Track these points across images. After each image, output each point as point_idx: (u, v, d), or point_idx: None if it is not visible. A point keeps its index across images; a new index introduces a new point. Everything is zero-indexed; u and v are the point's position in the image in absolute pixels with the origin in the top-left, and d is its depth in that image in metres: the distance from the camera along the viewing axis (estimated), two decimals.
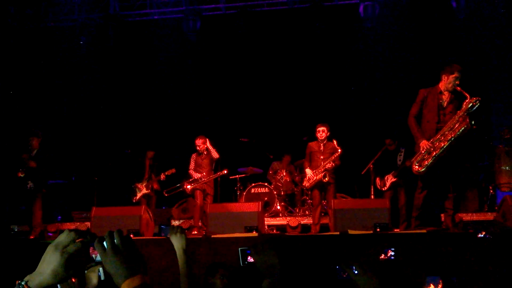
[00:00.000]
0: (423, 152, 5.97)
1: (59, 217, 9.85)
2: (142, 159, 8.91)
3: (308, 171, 7.78)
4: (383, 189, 8.21)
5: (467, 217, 7.74)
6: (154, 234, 7.38)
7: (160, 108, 11.21)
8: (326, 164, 7.62)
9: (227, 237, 6.22)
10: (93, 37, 11.03)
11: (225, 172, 8.52)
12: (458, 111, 5.93)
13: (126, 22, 11.08)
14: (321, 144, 7.79)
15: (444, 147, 5.87)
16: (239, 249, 2.36)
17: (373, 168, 8.54)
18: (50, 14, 10.97)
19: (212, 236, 6.53)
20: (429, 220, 6.55)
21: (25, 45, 10.91)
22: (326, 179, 7.57)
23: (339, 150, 7.63)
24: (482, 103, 5.90)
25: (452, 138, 5.84)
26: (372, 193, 8.62)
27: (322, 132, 7.75)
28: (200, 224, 8.16)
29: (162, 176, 8.55)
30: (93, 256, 1.44)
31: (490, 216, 7.73)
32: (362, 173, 8.64)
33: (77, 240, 1.40)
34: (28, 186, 7.91)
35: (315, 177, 7.67)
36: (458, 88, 5.93)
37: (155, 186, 8.69)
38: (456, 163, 6.07)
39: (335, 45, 10.58)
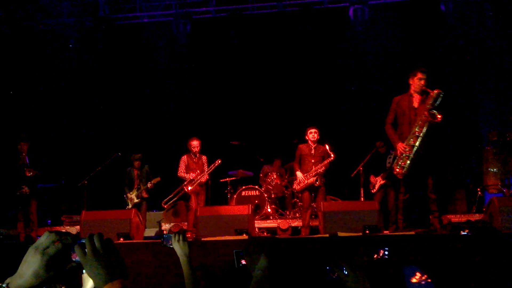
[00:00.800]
0: (399, 154, 6.09)
1: (49, 221, 9.78)
2: (130, 169, 8.89)
3: (299, 174, 7.77)
4: (372, 191, 8.26)
5: (455, 218, 7.81)
6: (147, 238, 7.36)
7: (150, 111, 11.19)
8: (318, 168, 7.63)
9: (217, 240, 6.22)
10: (83, 40, 11.00)
11: (219, 161, 8.47)
12: (422, 107, 6.05)
13: (115, 25, 11.06)
14: (312, 147, 7.79)
15: (416, 145, 5.98)
16: (234, 251, 2.37)
17: (363, 170, 8.59)
18: (39, 17, 10.92)
19: (202, 239, 6.53)
20: (419, 222, 6.60)
21: (14, 48, 10.86)
22: (318, 183, 7.58)
23: (332, 156, 7.60)
24: (445, 94, 5.99)
25: (421, 134, 5.96)
26: (362, 195, 8.67)
27: (314, 133, 7.75)
28: (193, 228, 8.14)
29: (149, 185, 8.54)
30: (73, 259, 1.44)
31: (478, 217, 7.81)
32: (352, 175, 8.68)
33: (56, 242, 1.40)
34: (24, 191, 7.92)
35: (306, 181, 7.67)
36: (424, 88, 6.06)
37: (144, 195, 8.70)
38: (431, 163, 6.14)
39: (325, 48, 10.63)
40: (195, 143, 8.37)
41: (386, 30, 10.27)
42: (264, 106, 10.86)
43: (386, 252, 3.05)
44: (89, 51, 11.00)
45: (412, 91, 6.22)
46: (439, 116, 5.85)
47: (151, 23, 11.11)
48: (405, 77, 6.40)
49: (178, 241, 2.75)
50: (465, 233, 5.01)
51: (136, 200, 8.66)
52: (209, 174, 8.46)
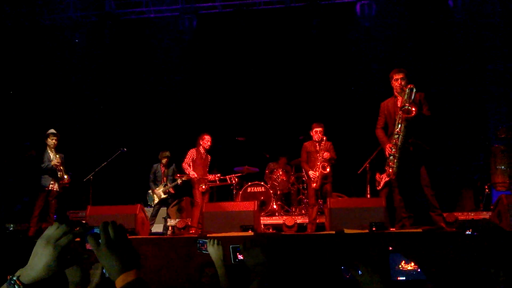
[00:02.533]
0: (387, 156, 6.17)
1: (55, 216, 9.80)
2: (157, 166, 8.98)
3: (311, 173, 7.72)
4: (378, 188, 8.22)
5: (462, 216, 7.75)
6: (153, 234, 7.36)
7: (156, 107, 11.17)
8: (323, 155, 7.58)
9: (223, 236, 6.20)
10: (89, 35, 10.99)
11: (236, 180, 8.96)
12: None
13: (122, 20, 11.04)
14: (317, 144, 7.76)
15: (398, 143, 6.01)
16: (230, 246, 2.36)
17: (370, 168, 8.55)
18: (45, 12, 10.92)
19: (208, 235, 6.51)
20: (425, 219, 6.54)
21: (20, 43, 10.86)
22: (328, 170, 7.53)
23: (335, 157, 7.62)
24: (417, 88, 5.97)
25: (401, 132, 5.99)
26: (368, 192, 8.62)
27: (319, 133, 7.71)
28: (198, 224, 8.14)
29: (179, 181, 8.60)
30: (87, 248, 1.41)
31: (485, 215, 7.75)
32: (359, 172, 8.63)
33: (68, 233, 1.38)
34: (54, 188, 8.08)
35: (317, 174, 7.62)
36: (403, 87, 6.04)
37: (172, 190, 8.81)
38: (420, 156, 6.13)
39: (332, 44, 10.57)
40: (208, 138, 8.42)
41: (393, 26, 10.19)
42: (270, 102, 10.82)
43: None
44: (95, 46, 10.99)
45: (395, 93, 6.28)
46: (413, 109, 5.84)
47: (157, 19, 11.09)
48: (413, 73, 6.37)
49: (213, 245, 2.93)
50: (469, 232, 4.96)
51: (163, 196, 8.83)
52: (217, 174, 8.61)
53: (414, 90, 5.95)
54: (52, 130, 8.28)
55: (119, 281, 1.32)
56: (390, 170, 6.17)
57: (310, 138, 7.88)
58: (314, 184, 7.67)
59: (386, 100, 6.45)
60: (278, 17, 10.65)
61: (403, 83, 6.10)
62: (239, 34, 10.63)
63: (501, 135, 8.16)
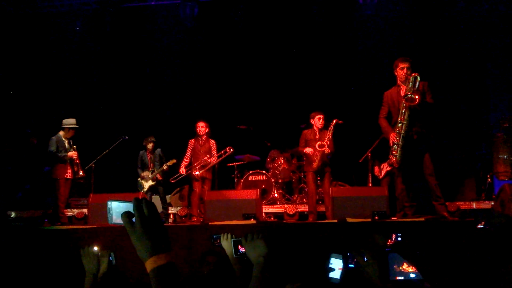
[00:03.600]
0: (391, 144, 6.19)
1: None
2: (143, 152, 8.90)
3: (308, 149, 7.59)
4: (380, 177, 8.22)
5: (464, 205, 7.76)
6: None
7: (157, 95, 11.15)
8: (324, 139, 7.54)
9: (225, 224, 6.21)
10: (89, 23, 10.91)
11: (231, 150, 8.53)
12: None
13: (122, 8, 10.95)
14: (317, 132, 7.72)
15: (402, 132, 6.02)
16: (232, 240, 2.33)
17: (371, 156, 8.54)
18: (44, 0, 10.83)
19: (210, 223, 6.53)
20: (429, 209, 6.55)
21: (20, 31, 10.80)
22: (327, 150, 7.46)
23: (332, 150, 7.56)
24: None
25: (404, 121, 6.01)
26: (370, 181, 8.62)
27: (321, 119, 7.69)
28: (198, 211, 8.15)
29: (165, 167, 8.55)
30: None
31: (487, 204, 7.76)
32: (360, 161, 8.63)
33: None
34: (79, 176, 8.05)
35: (317, 153, 7.52)
36: (408, 76, 6.06)
37: (159, 177, 8.69)
38: (424, 144, 6.14)
39: (334, 32, 10.50)
40: (201, 125, 8.40)
41: (395, 14, 10.12)
42: (272, 90, 10.78)
43: (399, 239, 3.02)
44: (95, 34, 10.92)
45: (399, 82, 6.30)
46: (416, 97, 5.85)
47: (158, 6, 10.99)
48: (415, 61, 6.34)
49: (227, 239, 2.50)
50: (482, 226, 4.93)
51: (151, 183, 8.69)
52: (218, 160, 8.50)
53: (419, 78, 5.95)
54: (74, 124, 8.17)
55: (150, 263, 1.30)
56: (394, 159, 6.19)
57: (309, 126, 7.85)
58: (314, 164, 7.58)
59: (390, 89, 6.45)
60: (279, 4, 10.57)
61: (408, 72, 6.10)
62: (240, 21, 10.55)
63: (503, 124, 8.14)
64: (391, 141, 6.20)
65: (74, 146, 8.05)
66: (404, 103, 5.97)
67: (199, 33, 10.94)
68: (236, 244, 2.33)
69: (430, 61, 9.43)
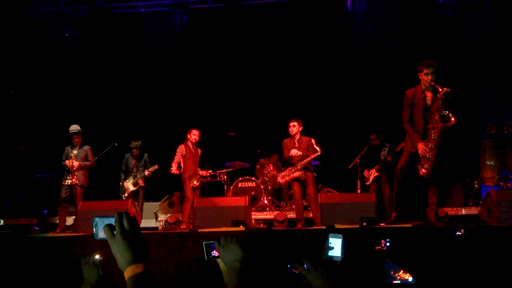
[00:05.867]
0: (420, 155, 5.91)
1: (45, 211, 9.77)
2: (129, 156, 8.82)
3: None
4: (367, 183, 8.29)
5: (452, 211, 7.82)
6: (144, 229, 7.33)
7: (147, 101, 11.14)
8: (303, 163, 7.51)
9: (214, 231, 6.21)
10: (79, 29, 10.89)
11: (226, 177, 9.12)
12: (434, 108, 5.84)
13: (112, 14, 10.95)
14: (295, 140, 7.74)
15: (434, 147, 5.83)
16: (203, 243, 2.32)
17: (360, 163, 8.60)
18: (34, 5, 10.81)
19: (199, 230, 6.53)
20: (415, 215, 6.60)
21: (9, 37, 10.76)
22: (303, 177, 7.48)
23: (319, 150, 7.45)
24: (453, 92, 5.80)
25: (437, 139, 5.81)
26: (359, 187, 8.67)
27: (292, 127, 7.69)
28: (188, 218, 8.13)
29: (147, 173, 8.46)
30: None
31: (474, 210, 7.82)
32: (349, 167, 8.68)
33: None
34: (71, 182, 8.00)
35: (291, 175, 7.58)
36: (433, 83, 5.83)
37: (141, 183, 8.61)
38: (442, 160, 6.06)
39: (323, 40, 10.58)
40: (195, 132, 8.42)
41: (384, 22, 10.21)
42: (261, 98, 10.82)
43: (388, 244, 3.06)
44: (85, 40, 10.90)
45: (423, 86, 6.00)
46: (452, 119, 5.67)
47: (147, 13, 11.01)
48: (402, 69, 6.34)
49: (225, 243, 2.13)
50: (460, 233, 4.99)
51: (132, 188, 8.55)
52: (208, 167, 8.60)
53: (450, 94, 5.71)
54: (71, 130, 8.22)
55: (128, 272, 1.39)
56: (423, 171, 5.94)
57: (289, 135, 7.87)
58: (281, 180, 7.72)
59: (412, 89, 6.11)
60: (269, 12, 10.63)
61: (432, 78, 5.83)
62: (230, 29, 10.60)
63: (490, 131, 8.23)
64: (420, 151, 5.90)
65: (72, 154, 8.06)
66: (439, 122, 5.73)
67: (188, 40, 10.97)
68: (208, 248, 2.31)
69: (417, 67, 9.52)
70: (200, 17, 10.90)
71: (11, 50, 10.78)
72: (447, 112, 5.68)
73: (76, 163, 8.01)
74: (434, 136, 5.81)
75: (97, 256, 2.67)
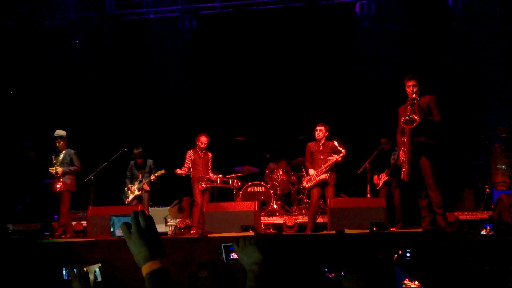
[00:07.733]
0: (401, 160, 6.28)
1: (56, 216, 9.82)
2: (134, 162, 8.82)
3: (311, 171, 7.69)
4: (377, 187, 8.24)
5: (463, 216, 7.76)
6: None
7: (156, 107, 11.18)
8: (329, 164, 7.55)
9: (224, 236, 6.21)
10: (89, 35, 10.98)
11: (239, 184, 9.02)
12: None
13: (121, 21, 11.04)
14: (320, 144, 7.76)
15: (405, 150, 6.15)
16: (222, 245, 2.33)
17: (370, 167, 8.55)
18: (45, 13, 10.92)
19: (208, 235, 6.53)
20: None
21: (19, 44, 10.87)
22: (330, 178, 7.52)
23: (343, 151, 7.55)
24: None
25: (406, 141, 6.13)
26: (369, 192, 8.62)
27: (319, 131, 7.72)
28: (198, 223, 8.14)
29: (153, 178, 8.45)
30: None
31: (486, 215, 7.75)
32: (359, 172, 8.63)
33: None
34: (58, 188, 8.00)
35: (318, 178, 7.60)
36: (415, 95, 6.14)
37: (146, 187, 8.61)
38: (425, 156, 6.18)
39: (331, 44, 10.57)
40: (203, 139, 8.39)
41: (392, 26, 10.19)
42: (270, 102, 10.82)
43: (408, 254, 3.07)
44: (95, 47, 10.99)
45: (408, 100, 6.32)
46: (416, 118, 5.97)
47: (157, 19, 11.08)
48: (412, 73, 6.37)
49: (244, 246, 2.12)
50: (485, 232, 4.99)
51: (137, 193, 8.57)
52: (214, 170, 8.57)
53: (416, 100, 6.09)
54: (55, 134, 8.26)
55: (145, 268, 1.44)
56: (402, 175, 6.27)
57: (314, 139, 7.88)
58: (307, 184, 7.69)
59: (403, 105, 6.45)
60: (278, 17, 10.66)
61: (414, 89, 6.17)
62: (239, 34, 10.63)
63: (501, 134, 8.17)
64: (400, 157, 6.31)
65: (55, 161, 8.11)
66: (403, 125, 6.10)
67: (197, 46, 11.02)
68: (227, 250, 2.31)
69: (427, 71, 9.48)
70: (209, 22, 10.95)
71: (23, 57, 10.88)
72: (409, 117, 6.03)
73: (60, 169, 8.01)
74: (405, 140, 6.15)
75: (85, 269, 2.71)
